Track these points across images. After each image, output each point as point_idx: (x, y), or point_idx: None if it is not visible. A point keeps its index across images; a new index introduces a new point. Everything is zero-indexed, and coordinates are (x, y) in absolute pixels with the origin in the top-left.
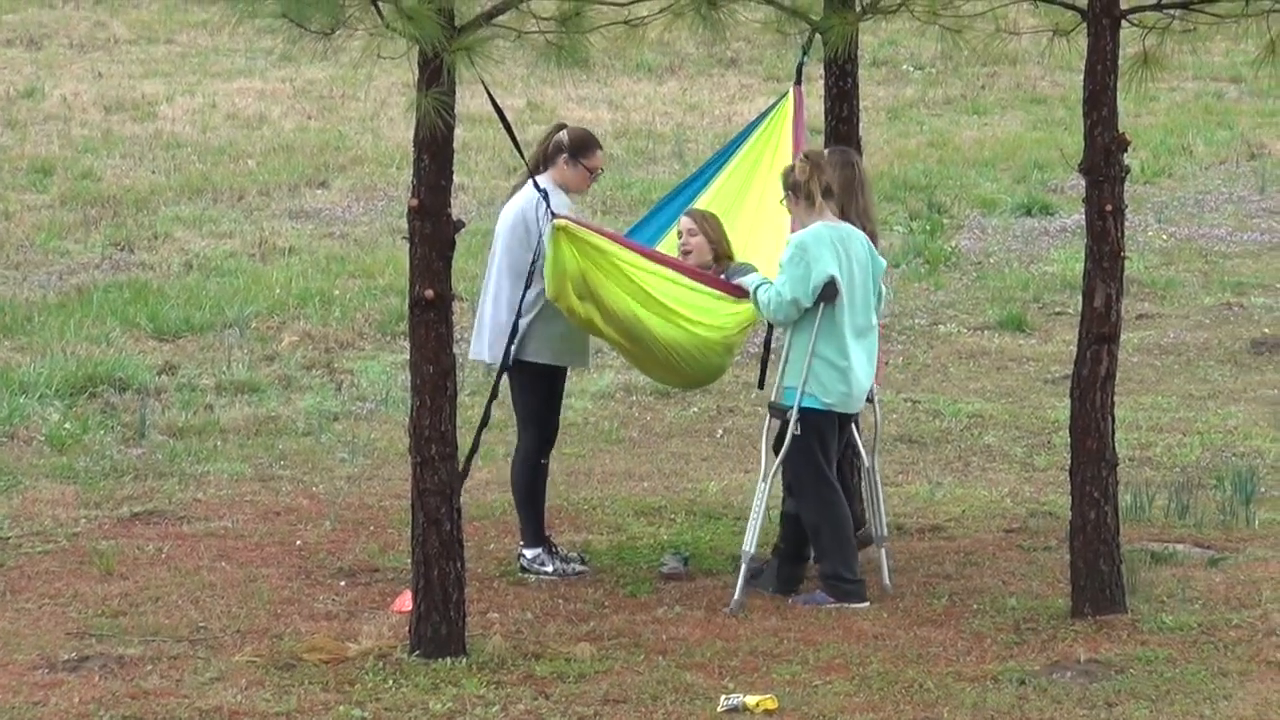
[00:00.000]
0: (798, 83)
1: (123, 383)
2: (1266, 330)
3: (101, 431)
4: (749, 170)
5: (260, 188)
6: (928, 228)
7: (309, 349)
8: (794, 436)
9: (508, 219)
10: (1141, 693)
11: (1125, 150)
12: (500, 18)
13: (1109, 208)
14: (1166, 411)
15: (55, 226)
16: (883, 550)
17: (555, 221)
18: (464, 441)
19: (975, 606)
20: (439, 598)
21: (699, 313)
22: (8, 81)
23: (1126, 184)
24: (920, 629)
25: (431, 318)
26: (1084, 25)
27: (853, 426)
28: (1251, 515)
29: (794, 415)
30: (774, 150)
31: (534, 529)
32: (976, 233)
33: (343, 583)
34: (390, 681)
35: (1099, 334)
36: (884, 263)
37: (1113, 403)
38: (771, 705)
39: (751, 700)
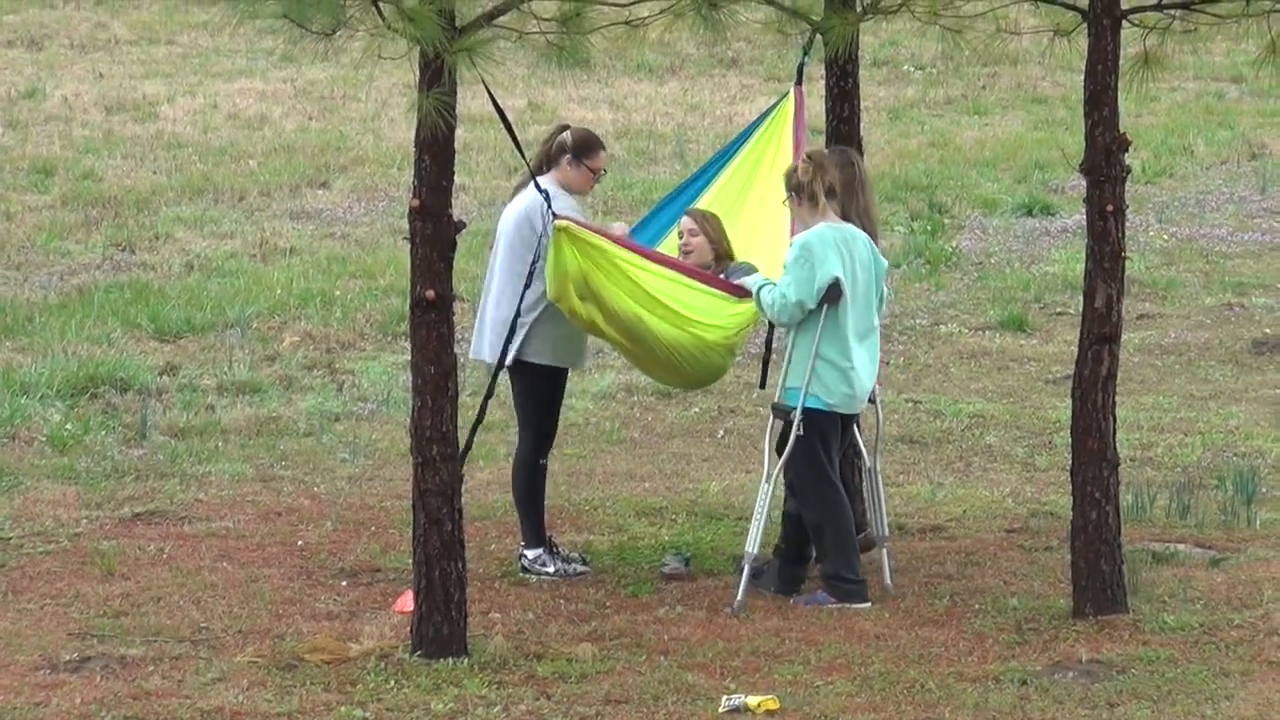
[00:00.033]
0: (799, 83)
1: (124, 383)
2: (1267, 330)
3: (103, 432)
4: (750, 171)
5: (261, 188)
6: (929, 228)
7: (310, 349)
8: (797, 437)
9: (511, 219)
10: (1143, 693)
11: (1126, 150)
12: (501, 18)
13: (1110, 208)
14: (1168, 411)
15: (56, 227)
16: (884, 550)
17: (556, 222)
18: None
19: (977, 607)
20: (440, 598)
21: (700, 313)
22: (9, 82)
23: (1127, 184)
24: (922, 629)
25: (433, 318)
26: (1085, 25)
27: (854, 427)
28: (1253, 515)
29: (798, 416)
30: (775, 150)
31: (534, 529)
32: (977, 233)
33: (344, 583)
34: (392, 682)
35: (1100, 334)
36: (886, 263)
37: (1114, 403)
38: (773, 706)
39: (753, 700)
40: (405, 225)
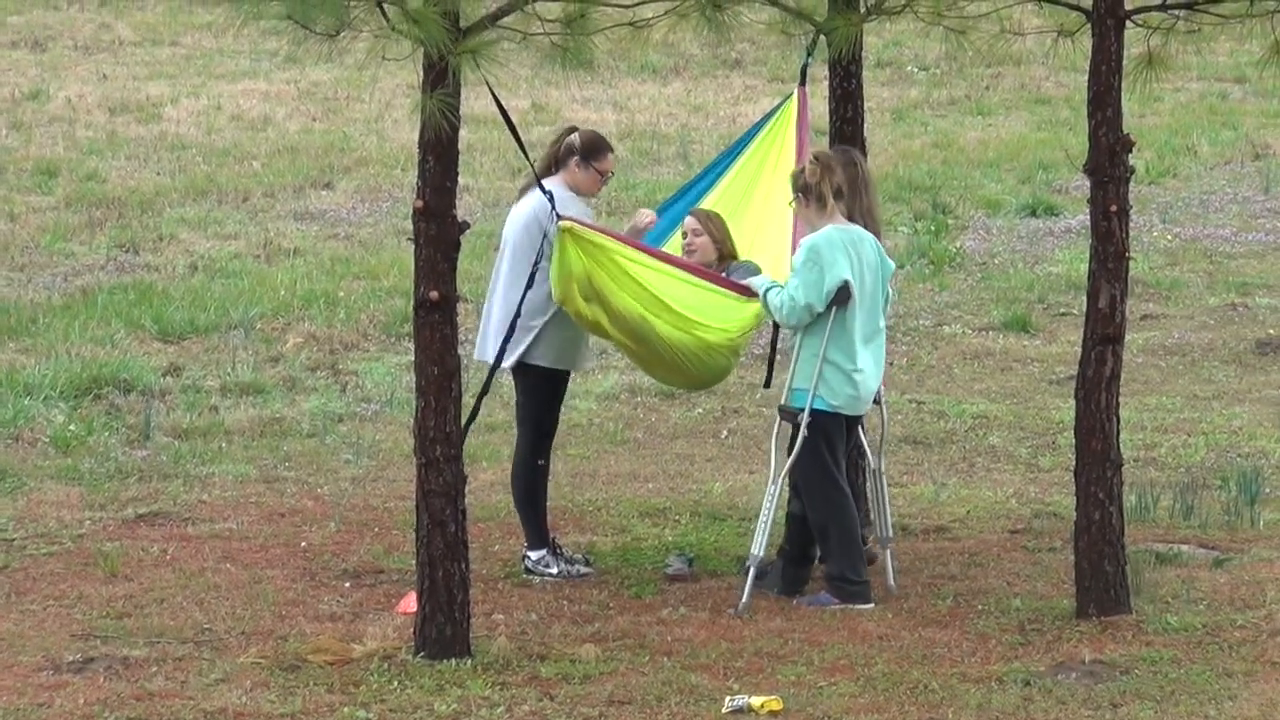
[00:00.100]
0: (802, 84)
1: (127, 384)
2: (1271, 331)
3: (106, 433)
4: (754, 171)
5: (265, 189)
6: (932, 228)
7: (314, 350)
8: (803, 438)
9: (518, 220)
10: (1146, 693)
11: (1130, 151)
12: (505, 19)
13: (1114, 208)
14: (1171, 412)
15: (60, 228)
16: (888, 551)
17: (560, 223)
18: (468, 444)
19: (980, 607)
20: (444, 599)
21: (704, 314)
22: (13, 83)
23: (1131, 184)
24: (925, 630)
25: (436, 319)
26: (1088, 26)
27: (859, 428)
28: (1256, 516)
29: (805, 418)
30: (779, 151)
31: (536, 530)
32: (981, 233)
33: (347, 584)
34: (395, 683)
35: (1104, 335)
36: (893, 265)
37: (1117, 403)
38: (776, 706)
39: (756, 701)
40: (409, 226)
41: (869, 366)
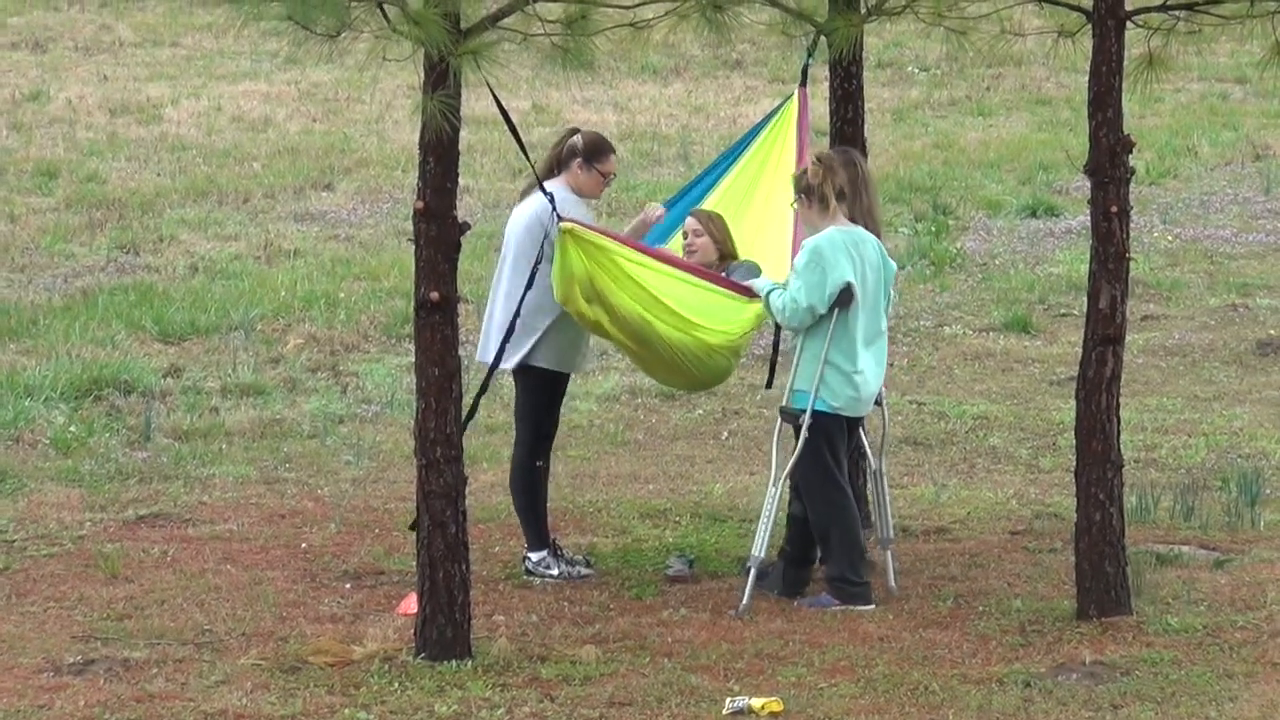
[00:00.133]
0: (803, 84)
1: (128, 385)
2: (1272, 331)
3: (106, 434)
4: (755, 172)
5: (265, 190)
6: (933, 229)
7: (314, 351)
8: (804, 440)
9: (521, 222)
10: (1147, 695)
11: (1130, 152)
12: (506, 20)
13: (1114, 209)
14: (1172, 413)
15: (60, 229)
16: (888, 552)
17: (561, 224)
18: (469, 446)
19: (980, 608)
20: (444, 600)
21: (704, 316)
22: (13, 84)
23: (1131, 185)
24: (925, 631)
25: (437, 320)
26: (1089, 26)
27: (860, 429)
28: (1257, 517)
29: (806, 420)
30: (779, 152)
31: (536, 532)
32: (981, 234)
33: (348, 585)
34: (396, 684)
35: (1104, 335)
36: (895, 266)
37: (1118, 404)
38: (777, 708)
39: (757, 703)
40: (409, 227)
41: (870, 368)
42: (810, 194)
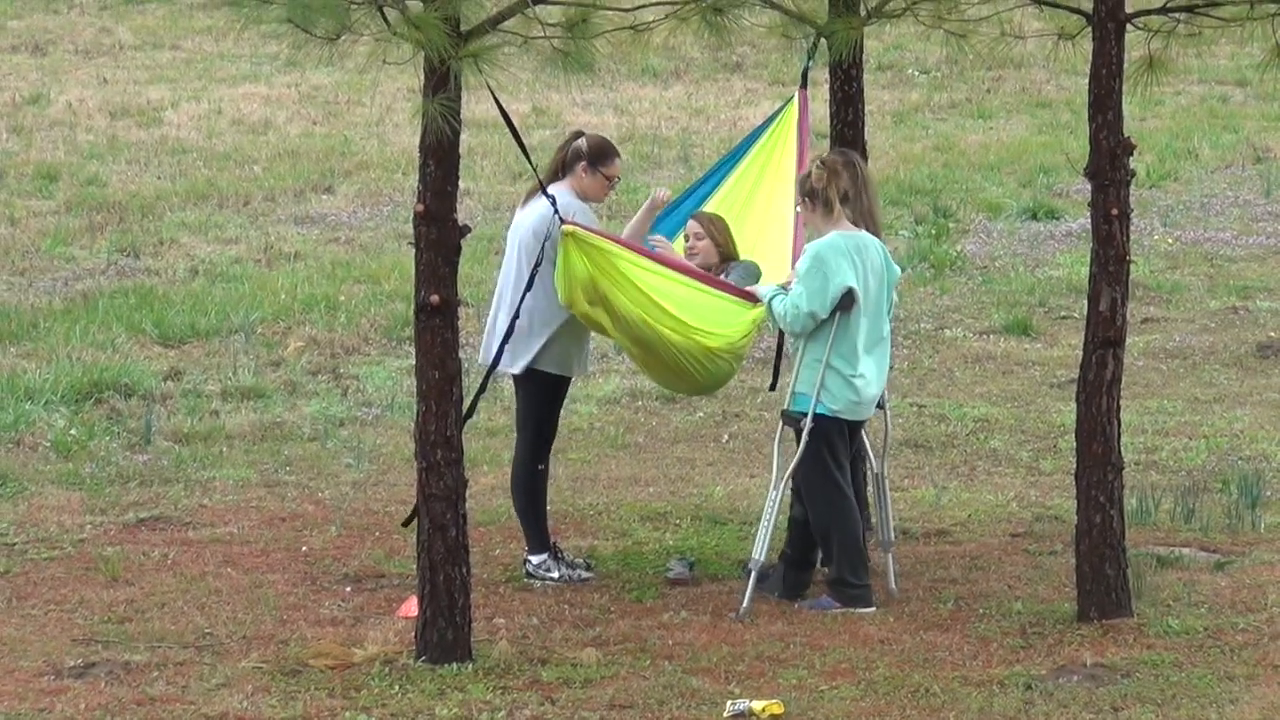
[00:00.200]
0: (803, 87)
1: (128, 389)
2: (1272, 334)
3: (107, 438)
4: (757, 175)
5: (266, 193)
6: (933, 232)
7: (314, 354)
8: (805, 443)
9: (526, 225)
10: (1147, 697)
11: (1130, 154)
12: (506, 23)
13: (1114, 212)
14: (1172, 415)
15: (61, 232)
16: (889, 555)
17: (564, 228)
18: (469, 449)
19: (981, 611)
20: (445, 603)
21: (706, 320)
22: (13, 88)
23: (1132, 188)
24: (926, 633)
25: (437, 323)
26: (1089, 29)
27: (862, 432)
28: (1257, 519)
29: (808, 424)
30: (780, 155)
31: (537, 534)
32: (982, 237)
33: (348, 588)
34: (396, 687)
35: (1104, 338)
36: (899, 270)
37: (1118, 406)
38: (777, 710)
39: (758, 705)
40: (410, 230)
41: (871, 372)
42: (814, 198)
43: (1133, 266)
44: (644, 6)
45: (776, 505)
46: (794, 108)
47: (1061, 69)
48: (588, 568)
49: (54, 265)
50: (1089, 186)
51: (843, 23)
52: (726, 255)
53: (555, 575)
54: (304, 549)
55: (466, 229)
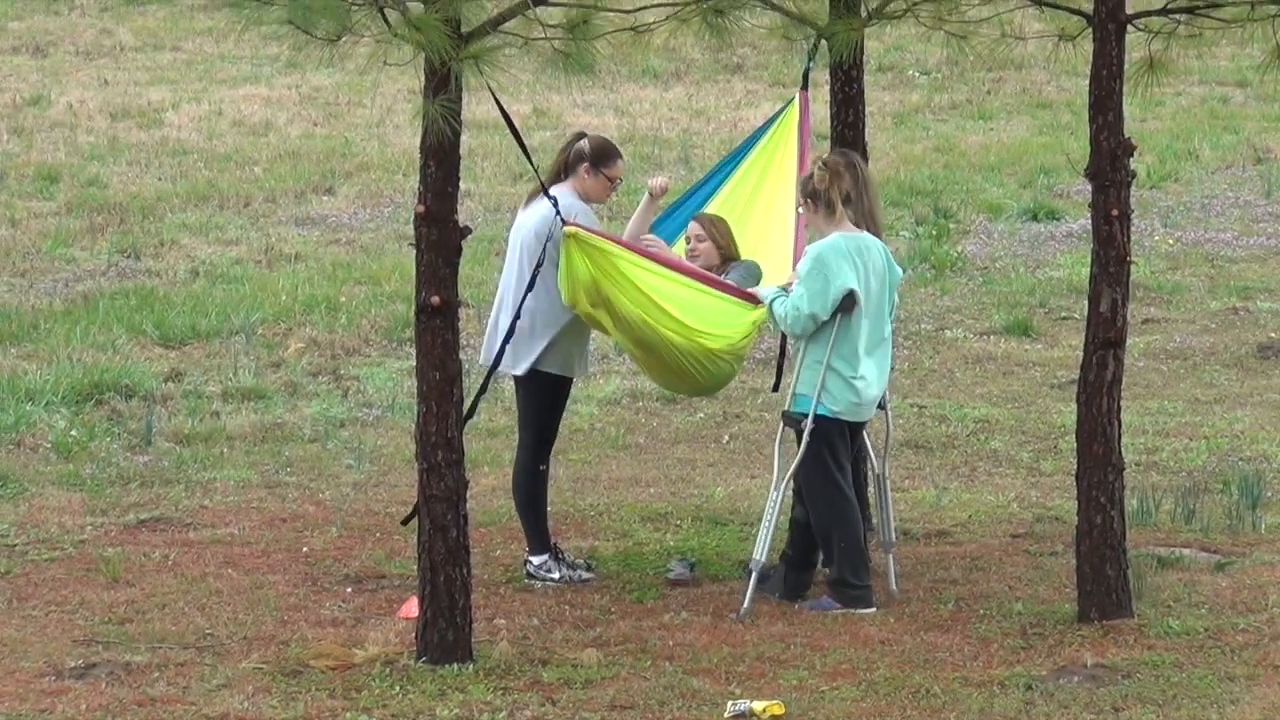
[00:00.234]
0: (804, 88)
1: (129, 390)
2: (1273, 335)
3: (108, 439)
4: (758, 177)
5: (266, 194)
6: (934, 233)
7: (315, 356)
8: (805, 444)
9: (528, 226)
10: (1148, 697)
11: (1131, 155)
12: (507, 24)
13: (1115, 213)
14: (1173, 416)
15: (61, 234)
16: (890, 556)
17: (565, 229)
18: (469, 449)
19: (982, 612)
20: (445, 604)
21: (707, 322)
22: (14, 89)
23: (1132, 189)
24: (927, 634)
25: (438, 324)
26: (1089, 30)
27: (864, 433)
28: (1258, 519)
29: (809, 425)
30: (781, 156)
31: (538, 535)
32: (983, 238)
33: (349, 589)
34: (397, 688)
35: (1105, 339)
36: (900, 272)
37: (1119, 407)
38: (778, 711)
39: (758, 706)
40: (410, 231)
41: (871, 374)
42: (816, 199)
43: (1133, 267)
44: (645, 8)
45: (778, 506)
46: (795, 109)
47: (1062, 70)
48: (588, 568)
49: (55, 266)
50: (1089, 187)
51: (843, 24)
52: (728, 256)
53: (556, 576)
54: (305, 550)
55: (467, 230)
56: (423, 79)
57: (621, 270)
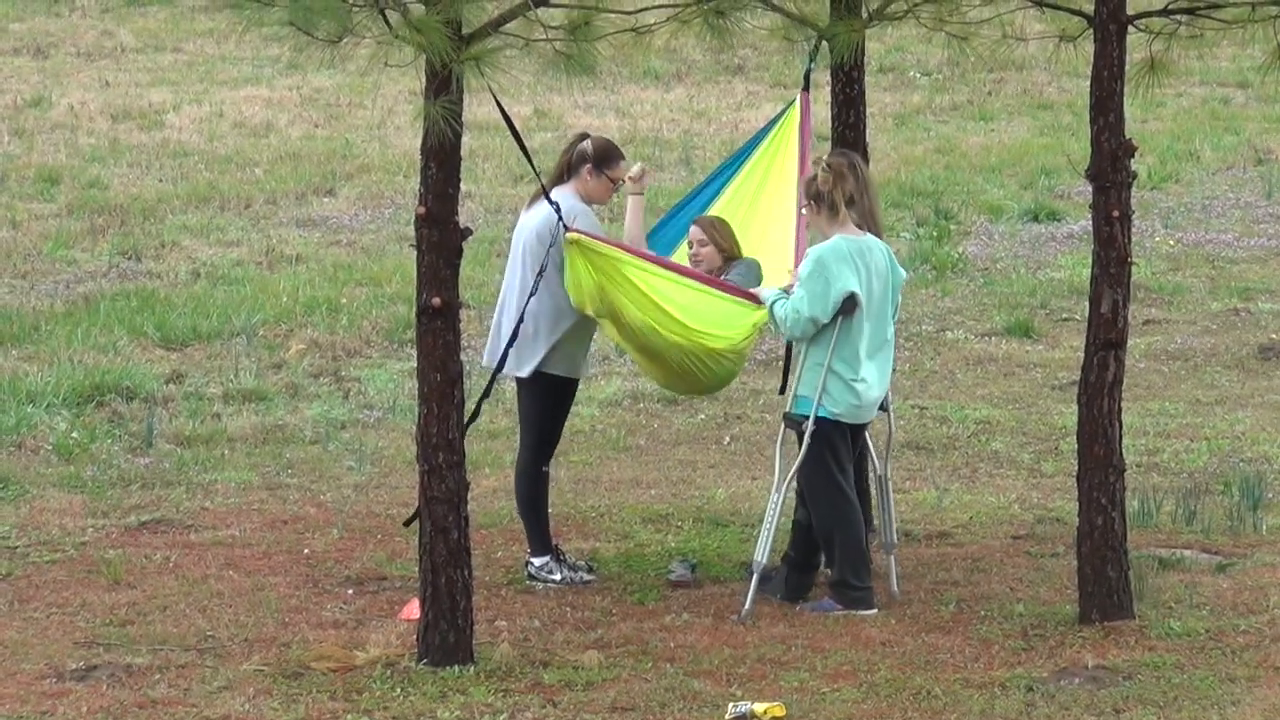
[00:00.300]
0: (805, 89)
1: (130, 391)
2: (1274, 335)
3: (109, 440)
4: (760, 179)
5: (267, 196)
6: (935, 234)
7: (316, 357)
8: (807, 446)
9: (530, 227)
10: (1149, 699)
11: (1132, 156)
12: (508, 26)
13: (1116, 214)
14: (1174, 417)
15: (62, 235)
16: (891, 557)
17: (568, 235)
18: (471, 451)
19: (983, 613)
20: (446, 606)
21: (708, 323)
22: (15, 90)
23: (1133, 190)
24: (928, 636)
25: (439, 325)
26: (1090, 31)
27: (865, 434)
28: (1259, 520)
29: (809, 427)
30: (783, 158)
31: (539, 537)
32: (984, 239)
33: (350, 591)
34: (398, 690)
35: (1106, 340)
36: (904, 273)
37: (1120, 408)
38: (779, 712)
39: (759, 708)
40: (411, 233)
41: (872, 376)
42: (820, 201)
43: (1134, 268)
44: (646, 9)
45: (779, 507)
46: (796, 111)
47: (1063, 71)
48: (590, 570)
49: (55, 268)
50: (1090, 188)
51: (844, 25)
52: (730, 258)
53: (557, 578)
54: (306, 551)
55: (468, 231)
56: (424, 80)
57: (624, 273)
